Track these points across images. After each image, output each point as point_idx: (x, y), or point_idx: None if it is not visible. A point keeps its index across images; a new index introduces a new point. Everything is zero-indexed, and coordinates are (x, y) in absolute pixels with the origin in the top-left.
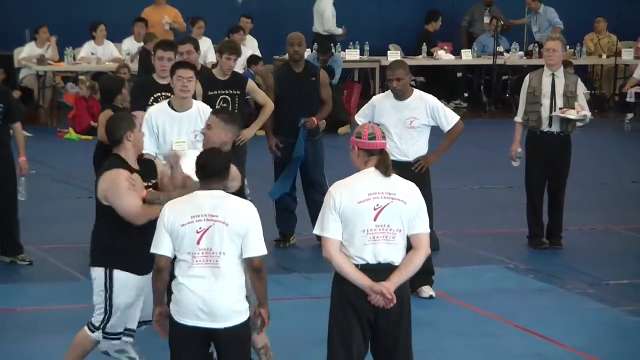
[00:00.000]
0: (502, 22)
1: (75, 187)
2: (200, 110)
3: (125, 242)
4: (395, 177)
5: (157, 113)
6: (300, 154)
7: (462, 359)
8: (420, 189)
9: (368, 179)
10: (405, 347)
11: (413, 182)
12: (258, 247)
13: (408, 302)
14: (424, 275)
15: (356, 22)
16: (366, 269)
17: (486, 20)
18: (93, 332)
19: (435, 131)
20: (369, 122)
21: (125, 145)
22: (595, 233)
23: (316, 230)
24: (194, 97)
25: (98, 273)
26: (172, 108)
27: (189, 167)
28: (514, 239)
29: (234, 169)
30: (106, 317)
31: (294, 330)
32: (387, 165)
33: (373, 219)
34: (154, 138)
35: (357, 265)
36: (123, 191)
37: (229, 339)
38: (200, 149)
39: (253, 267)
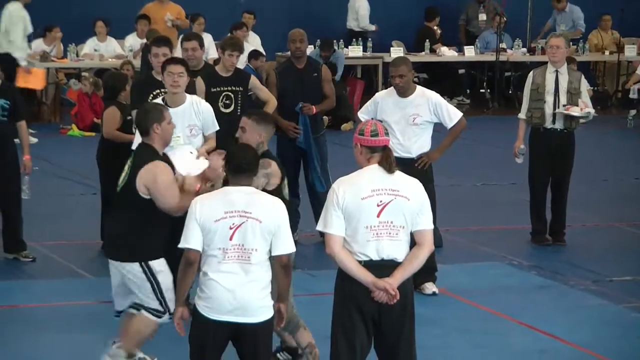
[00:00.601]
0: (505, 18)
1: (78, 184)
2: (194, 103)
3: (152, 230)
4: (398, 174)
5: None
6: (301, 140)
7: (465, 356)
8: (423, 186)
9: (371, 175)
10: (408, 344)
11: (416, 178)
12: (288, 245)
13: (411, 299)
14: (427, 272)
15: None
16: (369, 265)
17: (482, 17)
18: (160, 316)
19: (438, 127)
20: (372, 118)
21: (152, 137)
22: (598, 230)
23: (319, 227)
24: (195, 92)
25: (133, 268)
26: (166, 104)
27: (181, 161)
28: (517, 235)
29: (274, 166)
30: (162, 301)
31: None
32: (390, 162)
33: (376, 216)
34: None
35: (360, 262)
36: (166, 186)
37: (258, 333)
38: (195, 143)
39: (282, 264)
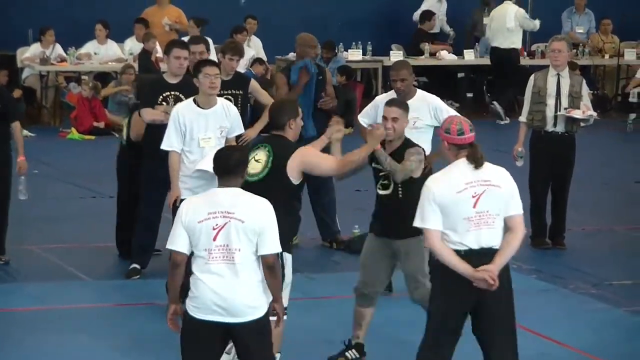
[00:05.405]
0: None
1: (77, 187)
2: (225, 106)
3: (289, 220)
4: (486, 165)
5: (184, 110)
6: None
7: (466, 358)
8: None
9: (462, 169)
10: (508, 329)
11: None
12: (272, 245)
13: (509, 284)
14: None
15: (358, 22)
16: (470, 255)
17: (486, 21)
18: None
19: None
20: (456, 115)
21: (287, 131)
22: (598, 233)
23: (416, 223)
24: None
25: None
26: (198, 105)
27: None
28: None
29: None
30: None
31: (297, 330)
32: (477, 158)
33: (472, 207)
34: (181, 136)
35: (460, 251)
36: (318, 155)
37: (247, 333)
38: (224, 144)
39: (267, 265)
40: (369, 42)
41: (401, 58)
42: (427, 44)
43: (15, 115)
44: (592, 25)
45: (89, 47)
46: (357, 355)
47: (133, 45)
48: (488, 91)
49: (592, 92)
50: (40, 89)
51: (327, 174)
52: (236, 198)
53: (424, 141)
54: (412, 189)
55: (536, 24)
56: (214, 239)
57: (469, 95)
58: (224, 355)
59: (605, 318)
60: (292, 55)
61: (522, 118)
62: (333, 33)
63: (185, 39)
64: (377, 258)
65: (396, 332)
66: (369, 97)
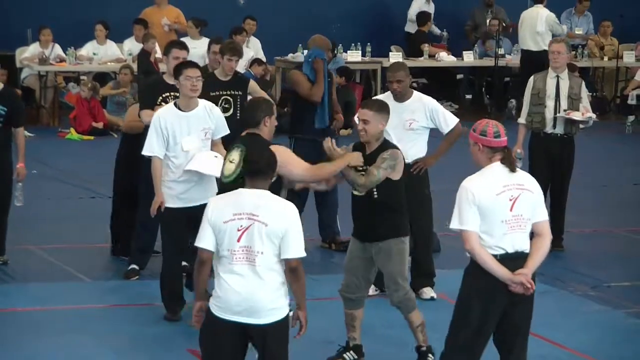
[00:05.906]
0: (504, 24)
1: (76, 188)
2: (207, 108)
3: None
4: (517, 170)
5: (166, 115)
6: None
7: None
8: (419, 191)
9: (498, 172)
10: (527, 331)
11: (412, 183)
12: (296, 249)
13: (534, 288)
14: (425, 276)
15: (358, 24)
16: (505, 258)
17: (490, 23)
18: None
19: (435, 133)
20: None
21: (262, 129)
22: (597, 235)
23: (454, 225)
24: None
25: None
26: (179, 109)
27: (206, 164)
28: None
29: (401, 156)
30: None
31: (296, 330)
32: (512, 161)
33: (509, 210)
34: (162, 141)
35: (496, 255)
36: (292, 158)
37: (268, 335)
38: (208, 146)
39: (290, 268)
40: (368, 44)
41: (400, 59)
42: (426, 45)
43: (21, 120)
44: (591, 27)
45: (89, 47)
46: (356, 357)
47: (132, 46)
48: (487, 93)
49: (591, 94)
50: (39, 89)
51: (293, 178)
52: (261, 200)
53: (420, 142)
54: (389, 190)
55: (564, 28)
56: (238, 240)
57: (468, 96)
58: None
59: (604, 320)
60: (291, 56)
61: (521, 120)
62: (332, 34)
63: (185, 39)
64: (359, 263)
65: (396, 332)
66: (368, 98)
